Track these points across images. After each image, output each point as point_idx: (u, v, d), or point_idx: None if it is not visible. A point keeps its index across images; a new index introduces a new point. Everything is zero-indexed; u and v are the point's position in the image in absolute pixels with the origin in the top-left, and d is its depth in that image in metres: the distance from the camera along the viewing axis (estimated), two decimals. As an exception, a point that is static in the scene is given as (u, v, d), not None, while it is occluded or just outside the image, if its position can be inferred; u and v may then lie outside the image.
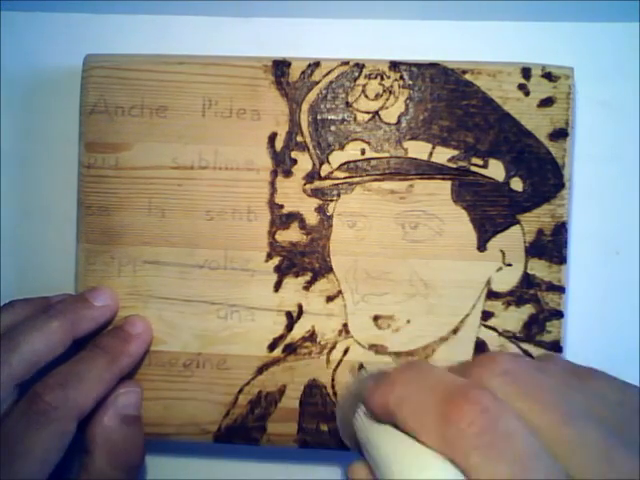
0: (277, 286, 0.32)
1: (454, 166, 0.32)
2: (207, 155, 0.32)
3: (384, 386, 0.21)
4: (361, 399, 0.23)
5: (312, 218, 0.32)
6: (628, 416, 0.20)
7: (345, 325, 0.32)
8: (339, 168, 0.32)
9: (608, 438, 0.18)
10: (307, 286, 0.32)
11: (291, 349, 0.32)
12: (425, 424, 0.19)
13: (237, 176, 0.32)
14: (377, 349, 0.32)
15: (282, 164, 0.32)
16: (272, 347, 0.32)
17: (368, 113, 0.32)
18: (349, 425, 0.25)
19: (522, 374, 0.20)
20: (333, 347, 0.32)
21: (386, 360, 0.32)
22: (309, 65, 0.32)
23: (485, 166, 0.32)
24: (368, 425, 0.22)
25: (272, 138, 0.32)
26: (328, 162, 0.32)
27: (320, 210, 0.32)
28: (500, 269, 0.32)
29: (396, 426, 0.20)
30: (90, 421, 0.30)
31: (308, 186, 0.32)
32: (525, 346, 0.31)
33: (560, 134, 0.31)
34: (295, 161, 0.32)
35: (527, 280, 0.31)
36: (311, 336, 0.32)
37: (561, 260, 0.31)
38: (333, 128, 0.32)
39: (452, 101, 0.32)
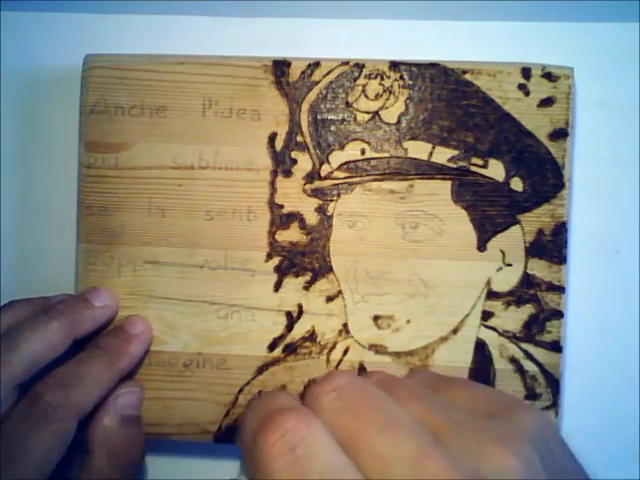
0: (277, 286, 0.32)
1: (454, 166, 0.32)
2: (207, 155, 0.32)
3: (243, 415, 0.22)
4: None
5: (312, 218, 0.32)
6: (470, 422, 0.20)
7: (345, 325, 0.32)
8: (339, 168, 0.32)
9: (420, 449, 0.18)
10: (307, 286, 0.32)
11: (291, 349, 0.32)
12: (245, 449, 0.20)
13: (237, 176, 0.32)
14: (377, 349, 0.32)
15: (282, 164, 0.32)
16: (272, 347, 0.32)
17: (368, 113, 0.32)
18: None
19: (350, 390, 0.21)
20: (333, 347, 0.32)
21: (386, 360, 0.32)
22: (309, 65, 0.32)
23: (485, 166, 0.32)
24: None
25: (272, 138, 0.32)
26: (328, 162, 0.32)
27: (320, 210, 0.32)
28: (500, 269, 0.32)
29: None
30: (90, 421, 0.30)
31: (308, 186, 0.32)
32: (525, 346, 0.31)
33: (560, 134, 0.31)
34: (295, 161, 0.32)
35: (527, 280, 0.31)
36: (311, 336, 0.32)
37: (561, 260, 0.31)
38: (333, 128, 0.32)
39: (452, 101, 0.32)
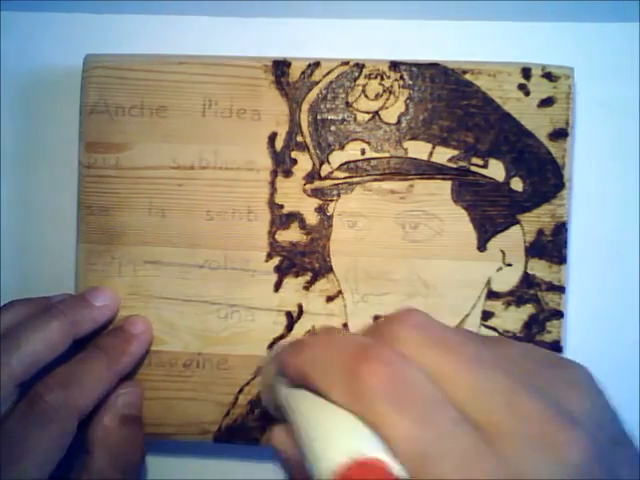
0: (277, 286, 0.32)
1: (454, 166, 0.32)
2: (207, 155, 0.32)
3: (297, 350, 0.22)
4: (279, 365, 0.23)
5: (312, 218, 0.32)
6: (532, 367, 0.20)
7: (345, 325, 0.32)
8: (339, 168, 0.32)
9: (513, 385, 0.19)
10: (307, 286, 0.32)
11: (291, 349, 0.32)
12: (334, 383, 0.19)
13: (237, 176, 0.32)
14: (377, 349, 0.32)
15: (282, 164, 0.32)
16: (272, 347, 0.32)
17: (368, 113, 0.32)
18: (270, 391, 0.25)
19: (432, 327, 0.21)
20: (333, 347, 0.32)
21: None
22: (309, 65, 0.32)
23: (485, 166, 0.32)
24: (285, 390, 0.22)
25: (272, 138, 0.32)
26: (328, 162, 0.32)
27: (320, 210, 0.32)
28: (500, 269, 0.32)
29: (310, 389, 0.21)
30: (90, 421, 0.30)
31: (308, 186, 0.32)
32: (525, 346, 0.31)
33: (560, 134, 0.31)
34: (295, 161, 0.32)
35: (527, 280, 0.31)
36: (311, 336, 0.32)
37: (561, 260, 0.31)
38: (333, 128, 0.32)
39: (452, 101, 0.32)
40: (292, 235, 0.32)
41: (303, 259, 0.32)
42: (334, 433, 0.19)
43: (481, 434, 0.18)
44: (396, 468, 0.18)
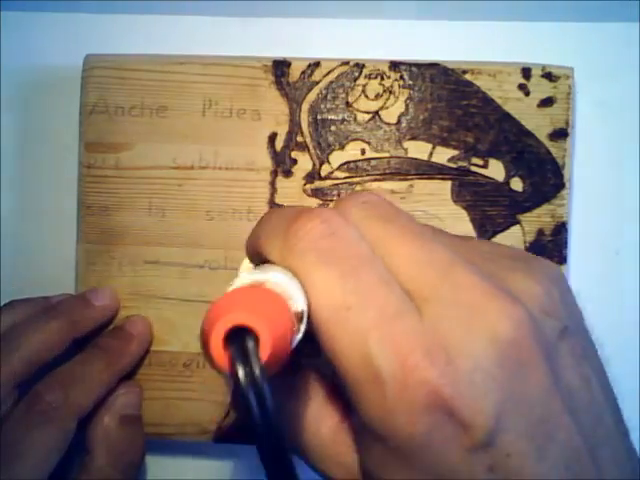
0: (277, 286, 0.32)
1: (454, 166, 0.32)
2: (207, 155, 0.32)
3: (253, 229, 0.21)
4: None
5: (312, 218, 0.32)
6: (489, 257, 0.19)
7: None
8: (339, 168, 0.32)
9: (453, 258, 0.18)
10: (307, 286, 0.32)
11: (291, 349, 0.32)
12: (273, 244, 0.19)
13: (237, 176, 0.32)
14: (377, 349, 0.32)
15: (282, 164, 0.32)
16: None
17: (368, 113, 0.32)
18: None
19: (382, 204, 0.20)
20: (333, 347, 0.32)
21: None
22: (309, 65, 0.32)
23: (485, 166, 0.32)
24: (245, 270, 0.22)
25: (272, 138, 0.32)
26: (328, 162, 0.32)
27: (320, 210, 0.32)
28: (500, 269, 0.31)
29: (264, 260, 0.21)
30: (90, 421, 0.30)
31: (308, 186, 0.32)
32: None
33: (560, 134, 0.31)
34: (295, 161, 0.32)
35: (527, 280, 0.31)
36: (311, 336, 0.32)
37: (561, 260, 0.31)
38: (333, 128, 0.32)
39: (452, 101, 0.32)
40: (292, 235, 0.32)
41: (303, 259, 0.32)
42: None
43: (409, 297, 0.17)
44: (296, 304, 0.17)
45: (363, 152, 0.32)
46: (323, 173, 0.32)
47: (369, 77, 0.32)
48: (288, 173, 0.32)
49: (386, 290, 0.17)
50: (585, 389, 0.18)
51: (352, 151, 0.32)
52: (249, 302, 0.17)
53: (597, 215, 0.34)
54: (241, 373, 0.15)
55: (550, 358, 0.17)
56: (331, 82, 0.32)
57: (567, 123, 0.31)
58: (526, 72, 0.31)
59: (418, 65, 0.32)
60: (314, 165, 0.32)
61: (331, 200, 0.32)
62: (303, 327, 0.18)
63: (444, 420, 0.16)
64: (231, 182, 0.32)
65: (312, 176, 0.32)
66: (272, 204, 0.32)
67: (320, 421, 0.20)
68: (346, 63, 0.32)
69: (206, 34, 0.35)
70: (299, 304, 0.17)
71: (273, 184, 0.32)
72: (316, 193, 0.32)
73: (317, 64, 0.32)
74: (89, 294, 0.32)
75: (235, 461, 0.35)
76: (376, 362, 0.16)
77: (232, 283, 0.19)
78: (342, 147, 0.32)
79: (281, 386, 0.18)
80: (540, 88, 0.31)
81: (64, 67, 0.35)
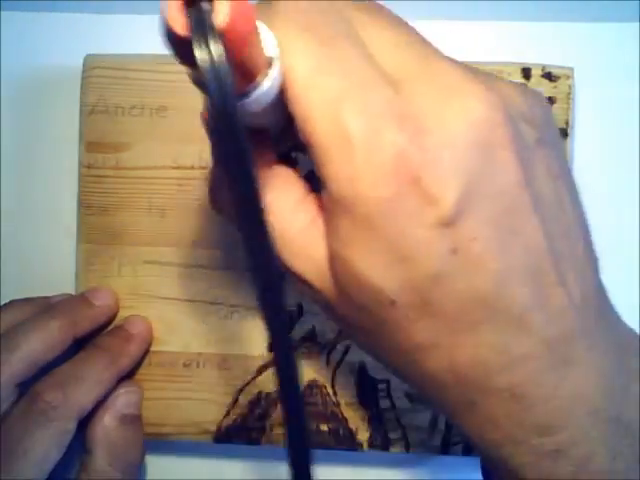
0: (277, 286, 0.32)
1: (454, 166, 0.32)
2: (207, 155, 0.32)
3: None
4: None
5: (312, 218, 0.32)
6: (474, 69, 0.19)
7: (345, 325, 0.32)
8: (339, 168, 0.32)
9: (436, 50, 0.18)
10: (307, 286, 0.32)
11: (291, 349, 0.32)
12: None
13: (237, 176, 0.32)
14: (377, 349, 0.32)
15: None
16: (272, 347, 0.32)
17: (368, 113, 0.32)
18: None
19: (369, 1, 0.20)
20: (333, 347, 0.32)
21: (386, 360, 0.32)
22: (309, 65, 0.32)
23: (485, 166, 0.31)
24: None
25: (272, 138, 0.32)
26: (328, 162, 0.32)
27: (320, 210, 0.32)
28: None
29: None
30: (90, 421, 0.30)
31: (308, 186, 0.32)
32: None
33: (560, 134, 0.31)
34: (295, 161, 0.32)
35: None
36: (311, 336, 0.32)
37: (561, 260, 0.31)
38: (333, 128, 0.32)
39: (452, 101, 0.32)
40: (292, 235, 0.32)
41: (303, 259, 0.32)
42: None
43: (386, 74, 0.17)
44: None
45: (363, 152, 0.32)
46: (323, 173, 0.32)
47: (369, 77, 0.32)
48: (288, 173, 0.32)
49: (364, 62, 0.17)
50: (557, 204, 0.18)
51: (352, 151, 0.32)
52: None
53: (597, 215, 0.34)
54: (200, 45, 0.14)
55: (524, 158, 0.17)
56: (331, 82, 0.32)
57: (567, 123, 0.31)
58: (526, 72, 0.31)
59: (418, 65, 0.32)
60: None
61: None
62: (271, 74, 0.17)
63: (409, 190, 0.16)
64: (231, 182, 0.32)
65: (312, 176, 0.32)
66: (272, 204, 0.32)
67: (294, 215, 0.20)
68: (346, 63, 0.32)
69: (206, 34, 0.35)
70: (269, 50, 0.17)
71: (273, 184, 0.32)
72: (316, 193, 0.32)
73: (317, 64, 0.32)
74: (89, 294, 0.32)
75: (235, 461, 0.35)
76: (346, 125, 0.16)
77: None
78: (342, 147, 0.32)
79: (259, 178, 0.18)
80: (540, 88, 0.31)
81: (64, 67, 0.35)
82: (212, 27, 0.14)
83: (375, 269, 0.17)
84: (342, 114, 0.16)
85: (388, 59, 0.18)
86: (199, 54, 0.14)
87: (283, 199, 0.20)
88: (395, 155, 0.16)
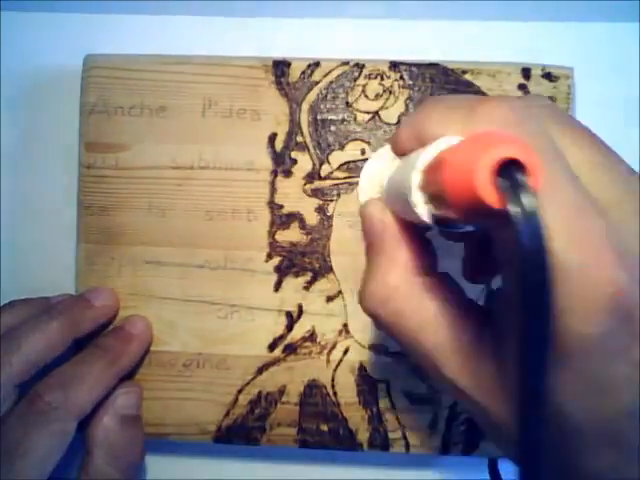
0: (277, 286, 0.32)
1: (454, 166, 0.32)
2: (207, 155, 0.32)
3: (408, 119, 0.20)
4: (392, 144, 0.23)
5: (312, 218, 0.32)
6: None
7: (345, 325, 0.32)
8: (339, 168, 0.32)
9: (631, 168, 0.19)
10: (307, 286, 0.32)
11: (291, 349, 0.32)
12: (452, 119, 0.18)
13: (237, 176, 0.32)
14: (377, 349, 0.32)
15: (282, 164, 0.32)
16: (272, 347, 0.32)
17: (368, 113, 0.32)
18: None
19: (558, 108, 0.21)
20: (333, 347, 0.32)
21: (386, 360, 0.32)
22: (309, 65, 0.32)
23: (485, 166, 0.31)
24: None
25: (272, 138, 0.32)
26: (328, 162, 0.32)
27: (320, 210, 0.32)
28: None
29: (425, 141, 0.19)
30: (90, 421, 0.30)
31: (308, 186, 0.32)
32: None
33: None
34: (295, 161, 0.32)
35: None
36: (311, 336, 0.32)
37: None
38: (333, 128, 0.32)
39: (452, 101, 0.32)
40: (292, 235, 0.32)
41: (303, 259, 0.32)
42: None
43: (595, 201, 0.17)
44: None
45: (363, 152, 0.32)
46: (323, 173, 0.32)
47: (369, 77, 0.32)
48: (288, 173, 0.32)
49: (573, 186, 0.16)
50: None
51: (352, 151, 0.32)
52: (507, 137, 0.15)
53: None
54: (515, 205, 0.14)
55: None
56: (331, 82, 0.32)
57: (567, 123, 0.31)
58: (526, 72, 0.31)
59: (418, 65, 0.32)
60: (314, 165, 0.32)
61: (331, 200, 0.32)
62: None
63: (621, 328, 0.16)
64: (231, 182, 0.32)
65: (312, 176, 0.32)
66: (272, 204, 0.32)
67: (460, 328, 0.20)
68: (346, 63, 0.32)
69: (206, 34, 0.35)
70: None
71: (273, 184, 0.32)
72: (316, 193, 0.32)
73: (317, 64, 0.32)
74: (89, 294, 0.32)
75: (235, 461, 0.35)
76: (562, 256, 0.16)
77: (422, 156, 0.18)
78: (342, 147, 0.32)
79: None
80: (540, 88, 0.31)
81: (64, 67, 0.35)
82: (527, 190, 0.14)
83: (566, 395, 0.17)
84: (557, 244, 0.16)
85: (588, 181, 0.17)
86: (515, 208, 0.14)
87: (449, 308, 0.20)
88: (614, 293, 0.15)
